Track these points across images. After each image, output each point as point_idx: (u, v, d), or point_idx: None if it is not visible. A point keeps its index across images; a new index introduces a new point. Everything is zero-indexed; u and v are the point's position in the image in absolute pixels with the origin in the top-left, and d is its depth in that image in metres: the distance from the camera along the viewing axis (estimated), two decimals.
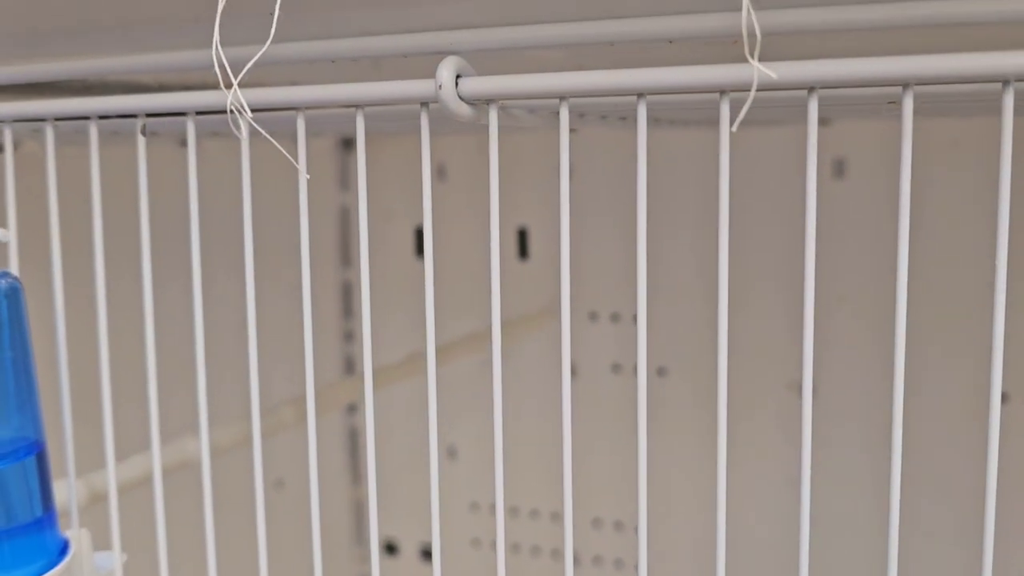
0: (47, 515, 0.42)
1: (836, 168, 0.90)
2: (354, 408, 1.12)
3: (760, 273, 0.90)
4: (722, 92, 0.31)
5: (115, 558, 0.46)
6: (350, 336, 1.11)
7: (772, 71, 0.28)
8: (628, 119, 0.45)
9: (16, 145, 0.74)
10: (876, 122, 0.85)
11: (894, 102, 0.33)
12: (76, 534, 0.44)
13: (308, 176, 0.36)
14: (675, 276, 0.93)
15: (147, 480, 0.52)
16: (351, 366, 1.11)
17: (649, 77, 0.32)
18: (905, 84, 0.29)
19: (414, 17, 0.36)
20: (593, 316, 1.00)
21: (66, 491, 0.46)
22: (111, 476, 0.44)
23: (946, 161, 0.84)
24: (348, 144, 1.06)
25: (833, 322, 0.90)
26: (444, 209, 1.01)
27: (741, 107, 0.30)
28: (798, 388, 0.93)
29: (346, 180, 1.08)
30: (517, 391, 0.99)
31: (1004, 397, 0.85)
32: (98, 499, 0.53)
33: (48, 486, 0.42)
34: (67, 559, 0.42)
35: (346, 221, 1.09)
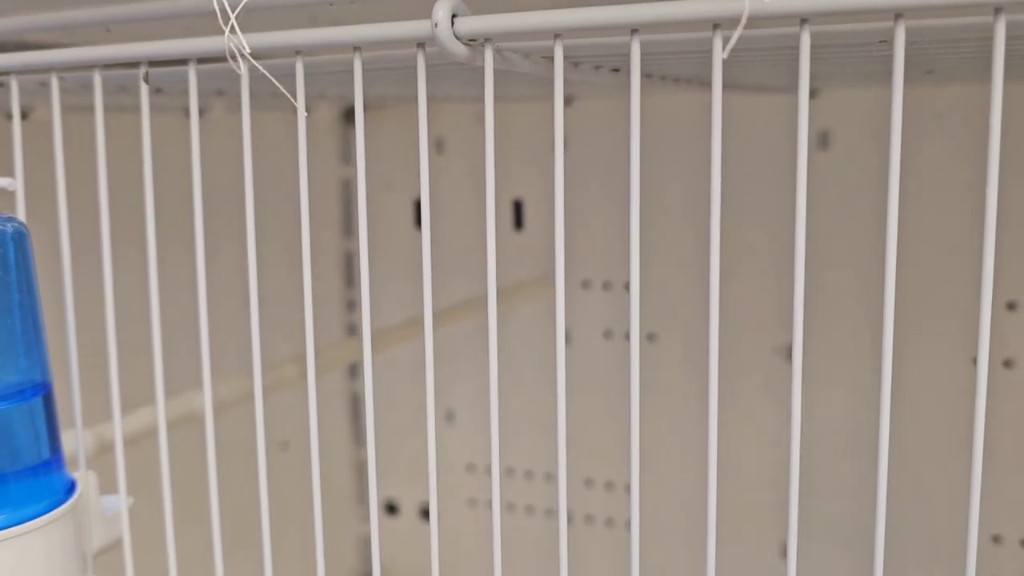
0: (54, 457, 0.41)
1: (821, 140, 0.89)
2: (356, 373, 1.11)
3: (749, 239, 0.90)
4: (715, 25, 0.30)
5: (121, 500, 0.45)
6: (352, 305, 1.10)
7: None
8: (622, 71, 0.44)
9: (27, 112, 0.73)
10: (861, 92, 0.84)
11: (885, 40, 0.32)
12: (83, 476, 0.43)
13: (307, 113, 0.35)
14: (664, 244, 0.92)
15: (153, 432, 0.51)
16: (353, 334, 1.10)
17: (643, 12, 0.31)
18: (897, 14, 0.28)
19: None
20: (586, 284, 0.99)
21: (74, 438, 0.45)
22: (117, 419, 0.43)
23: (931, 132, 0.84)
24: (349, 117, 1.05)
25: (817, 288, 0.89)
26: (443, 181, 1.00)
27: (735, 50, 0.29)
28: (785, 352, 0.92)
29: (347, 154, 1.07)
30: (512, 356, 0.99)
31: (1007, 363, 0.84)
32: (105, 449, 0.52)
33: (55, 428, 0.41)
34: (73, 498, 0.41)
35: (348, 194, 1.08)
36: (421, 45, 0.35)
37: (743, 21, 0.27)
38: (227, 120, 0.85)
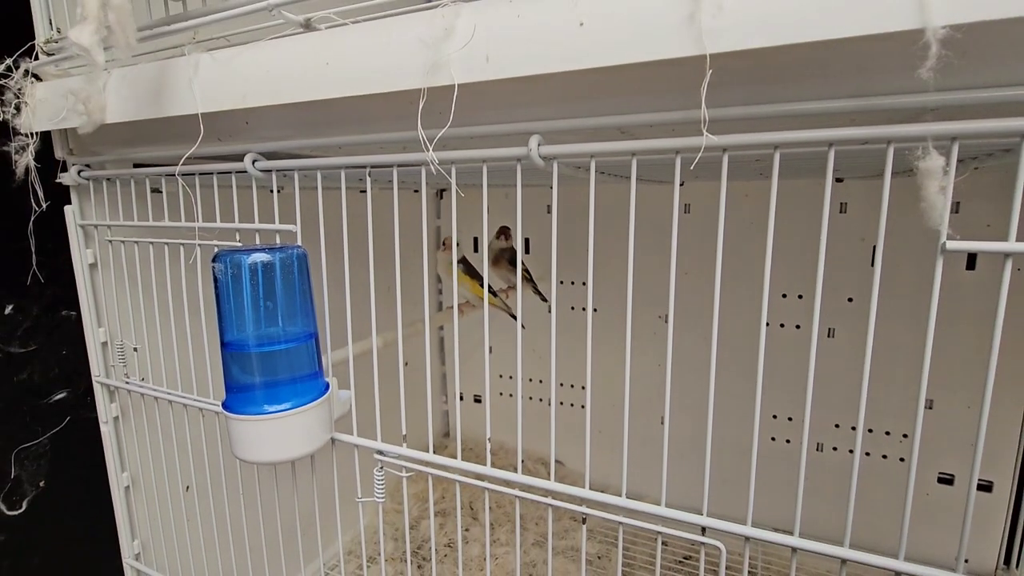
0: (319, 370, 0.41)
1: (686, 208, 0.89)
2: (441, 328, 1.11)
3: (645, 259, 0.90)
4: (677, 152, 0.30)
5: (350, 394, 0.45)
6: (441, 291, 1.10)
7: (714, 139, 0.27)
8: (622, 176, 0.44)
9: (279, 188, 0.72)
10: (705, 183, 0.84)
11: (760, 160, 0.32)
12: (331, 380, 0.43)
13: (462, 195, 0.34)
14: (604, 261, 0.92)
15: (359, 355, 0.51)
16: (440, 307, 1.10)
17: (639, 145, 0.31)
18: (776, 146, 0.28)
19: (511, 115, 0.35)
20: (562, 281, 0.99)
21: (326, 360, 0.45)
22: (349, 349, 0.43)
23: (740, 208, 0.84)
24: (438, 194, 1.04)
25: (682, 281, 0.89)
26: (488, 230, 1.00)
27: (689, 162, 0.29)
28: (665, 318, 0.92)
29: (439, 213, 1.07)
30: (520, 318, 0.98)
31: (782, 325, 0.84)
32: (340, 362, 0.52)
33: (319, 354, 0.41)
34: (328, 393, 0.41)
35: (438, 233, 1.08)
36: (518, 160, 0.35)
37: (701, 150, 0.27)
38: (378, 194, 0.85)
